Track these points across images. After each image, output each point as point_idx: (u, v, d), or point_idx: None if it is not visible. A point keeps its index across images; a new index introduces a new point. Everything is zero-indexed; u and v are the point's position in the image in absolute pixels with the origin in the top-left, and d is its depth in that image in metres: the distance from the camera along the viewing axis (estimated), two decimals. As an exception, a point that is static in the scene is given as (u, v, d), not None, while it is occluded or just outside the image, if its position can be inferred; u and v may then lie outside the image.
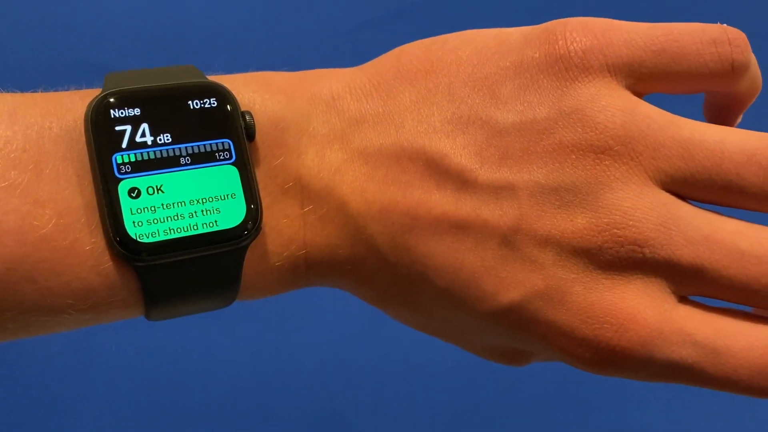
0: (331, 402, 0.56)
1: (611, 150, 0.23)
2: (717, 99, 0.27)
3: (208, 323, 0.54)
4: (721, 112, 0.27)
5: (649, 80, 0.24)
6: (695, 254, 0.22)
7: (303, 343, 0.56)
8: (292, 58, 0.52)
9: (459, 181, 0.23)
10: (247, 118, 0.23)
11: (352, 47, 0.56)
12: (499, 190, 0.23)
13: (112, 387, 0.54)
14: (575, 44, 0.23)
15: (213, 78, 0.25)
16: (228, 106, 0.23)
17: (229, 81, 0.25)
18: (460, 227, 0.23)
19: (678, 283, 0.23)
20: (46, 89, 0.24)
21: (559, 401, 0.58)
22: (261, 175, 0.24)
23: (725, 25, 0.24)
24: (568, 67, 0.23)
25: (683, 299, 0.24)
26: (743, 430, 0.60)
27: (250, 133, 0.23)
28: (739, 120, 0.27)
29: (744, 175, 0.23)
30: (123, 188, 0.22)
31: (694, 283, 0.23)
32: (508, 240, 0.23)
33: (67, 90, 0.24)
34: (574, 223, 0.23)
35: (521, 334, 0.24)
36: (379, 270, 0.25)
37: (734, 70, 0.24)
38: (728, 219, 0.23)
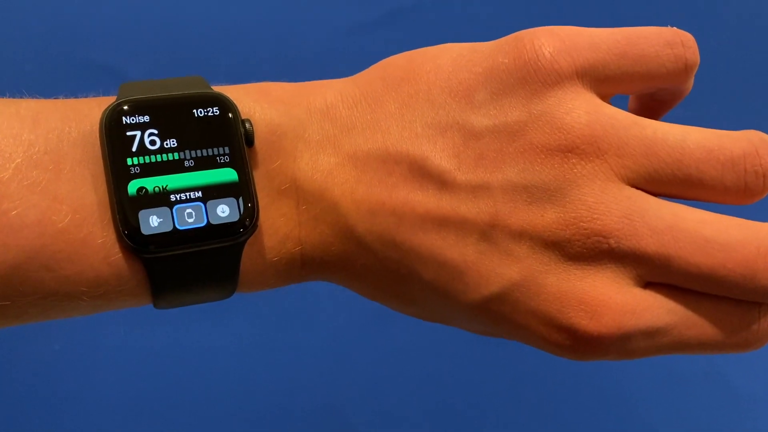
0: (331, 401, 0.56)
1: (578, 149, 0.24)
2: (657, 95, 0.29)
3: (209, 321, 0.55)
4: (656, 106, 0.29)
5: (613, 82, 0.26)
6: (660, 243, 0.24)
7: (303, 343, 0.57)
8: (291, 58, 0.51)
9: (439, 181, 0.25)
10: (247, 125, 0.26)
11: (352, 47, 0.56)
12: (476, 189, 0.25)
13: (112, 385, 0.55)
14: (543, 49, 0.25)
15: (217, 88, 0.27)
16: (229, 114, 0.26)
17: (232, 91, 0.27)
18: (442, 224, 0.25)
19: (646, 272, 0.25)
20: (67, 96, 0.26)
21: (560, 402, 0.58)
22: (259, 177, 0.26)
23: (675, 27, 0.26)
24: (537, 71, 0.25)
25: (651, 284, 0.25)
26: (743, 430, 0.60)
27: (249, 139, 0.26)
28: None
29: (703, 169, 0.24)
30: (132, 187, 0.24)
31: (661, 271, 0.24)
32: (486, 235, 0.25)
33: (86, 96, 0.26)
34: (545, 218, 0.24)
35: (504, 324, 0.26)
36: (370, 265, 0.27)
37: (687, 69, 0.26)
38: (692, 209, 0.25)
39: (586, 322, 0.24)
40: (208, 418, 0.55)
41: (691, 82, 0.27)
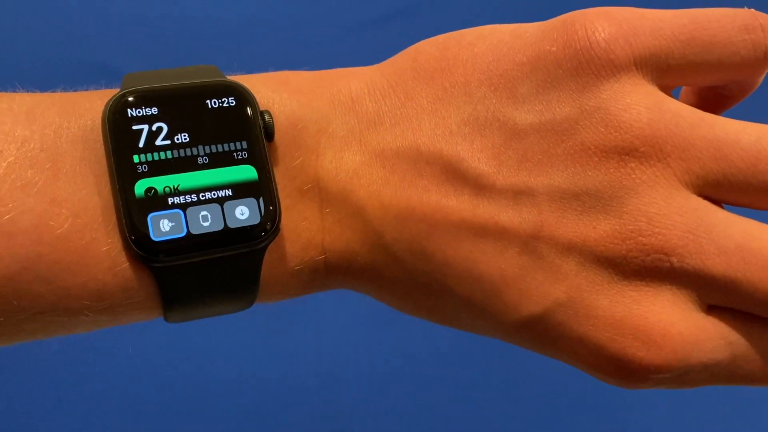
0: (331, 401, 0.56)
1: (637, 151, 0.22)
2: (722, 87, 0.25)
3: (208, 321, 0.56)
4: (718, 100, 0.26)
5: (678, 72, 0.23)
6: (728, 265, 0.21)
7: (303, 343, 0.56)
8: (293, 56, 0.52)
9: (476, 186, 0.23)
10: (266, 117, 0.23)
11: (352, 46, 0.56)
12: (518, 196, 0.22)
13: (111, 385, 0.54)
14: (597, 34, 0.22)
15: (232, 77, 0.24)
16: (247, 106, 0.23)
17: (247, 80, 0.24)
18: (478, 234, 0.23)
19: (709, 295, 0.22)
20: (65, 89, 0.24)
21: (560, 402, 0.57)
22: (279, 176, 0.24)
23: (754, 9, 0.23)
24: (589, 61, 0.22)
25: (713, 308, 0.23)
26: (743, 430, 0.59)
27: (269, 132, 0.23)
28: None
29: None
30: (140, 188, 0.22)
31: (726, 295, 0.22)
32: (529, 248, 0.22)
33: (85, 90, 0.24)
34: (597, 230, 0.22)
35: (547, 348, 0.23)
36: (399, 277, 0.24)
37: (766, 58, 0.23)
38: (765, 227, 0.22)
39: (642, 354, 0.22)
40: (207, 418, 0.54)
41: (764, 73, 0.24)
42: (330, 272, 0.25)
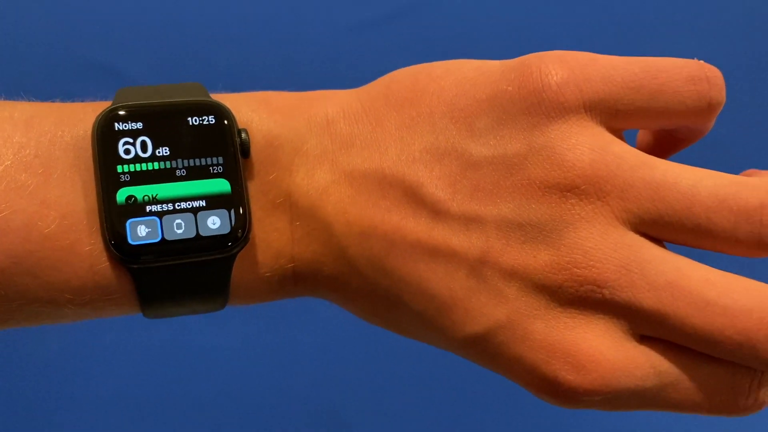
0: (330, 401, 0.56)
1: (577, 189, 0.23)
2: (674, 132, 0.27)
3: (207, 321, 0.54)
4: (671, 142, 0.27)
5: (626, 117, 0.24)
6: (657, 300, 0.22)
7: (302, 343, 0.57)
8: (292, 57, 0.51)
9: (433, 210, 0.24)
10: (243, 135, 0.25)
11: (353, 46, 0.55)
12: (469, 222, 0.24)
13: (111, 385, 0.55)
14: (550, 78, 0.23)
15: (216, 96, 0.26)
16: (225, 123, 0.25)
17: (231, 99, 0.26)
18: (432, 255, 0.24)
19: (640, 326, 0.23)
20: (63, 98, 0.26)
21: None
22: (254, 189, 0.25)
23: (702, 61, 0.24)
24: (541, 102, 0.23)
25: (646, 338, 0.24)
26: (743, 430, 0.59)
27: (244, 149, 0.25)
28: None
29: (714, 219, 0.23)
30: (121, 195, 0.24)
31: (656, 327, 0.23)
32: (475, 271, 0.24)
33: (84, 98, 0.26)
34: (537, 259, 0.23)
35: (489, 364, 0.25)
36: (361, 289, 0.26)
37: (710, 108, 0.24)
38: (698, 266, 0.23)
39: (572, 377, 0.23)
40: (206, 418, 0.55)
41: (713, 120, 0.25)
42: (298, 280, 0.27)
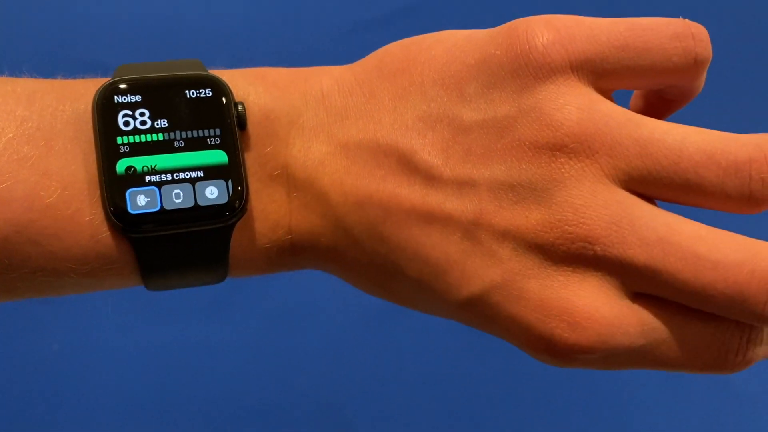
0: (331, 400, 0.56)
1: (566, 148, 0.23)
2: (664, 93, 0.27)
3: (208, 320, 0.55)
4: (662, 105, 0.27)
5: (612, 76, 0.24)
6: (648, 255, 0.23)
7: (303, 342, 0.57)
8: (292, 57, 0.52)
9: (427, 176, 0.25)
10: (240, 107, 0.25)
11: (352, 46, 0.55)
12: (462, 186, 0.24)
13: (111, 384, 0.55)
14: (536, 39, 0.24)
15: (214, 71, 0.27)
16: (222, 97, 0.25)
17: (228, 74, 0.27)
18: (427, 221, 0.25)
19: (633, 282, 0.23)
20: (65, 77, 0.26)
21: (560, 401, 0.58)
22: (251, 161, 0.26)
23: (688, 19, 0.25)
24: (528, 64, 0.24)
25: (640, 295, 0.24)
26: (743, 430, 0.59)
27: (241, 121, 0.25)
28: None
29: (703, 174, 0.23)
30: (121, 166, 0.24)
31: (648, 283, 0.23)
32: (470, 234, 0.24)
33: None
34: (529, 219, 0.23)
35: (486, 325, 0.25)
36: (359, 258, 0.26)
37: (697, 65, 0.24)
38: (688, 222, 0.23)
39: (567, 335, 0.23)
40: (207, 418, 0.55)
41: (703, 79, 0.26)
42: (296, 251, 0.27)
